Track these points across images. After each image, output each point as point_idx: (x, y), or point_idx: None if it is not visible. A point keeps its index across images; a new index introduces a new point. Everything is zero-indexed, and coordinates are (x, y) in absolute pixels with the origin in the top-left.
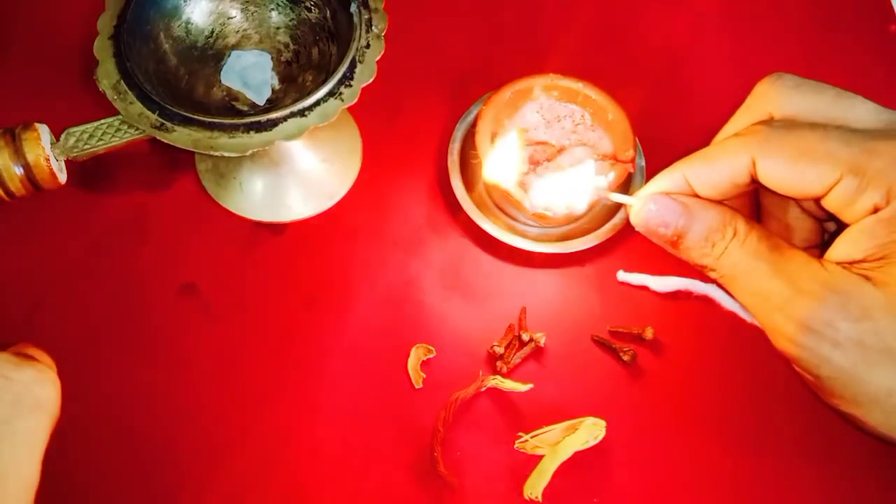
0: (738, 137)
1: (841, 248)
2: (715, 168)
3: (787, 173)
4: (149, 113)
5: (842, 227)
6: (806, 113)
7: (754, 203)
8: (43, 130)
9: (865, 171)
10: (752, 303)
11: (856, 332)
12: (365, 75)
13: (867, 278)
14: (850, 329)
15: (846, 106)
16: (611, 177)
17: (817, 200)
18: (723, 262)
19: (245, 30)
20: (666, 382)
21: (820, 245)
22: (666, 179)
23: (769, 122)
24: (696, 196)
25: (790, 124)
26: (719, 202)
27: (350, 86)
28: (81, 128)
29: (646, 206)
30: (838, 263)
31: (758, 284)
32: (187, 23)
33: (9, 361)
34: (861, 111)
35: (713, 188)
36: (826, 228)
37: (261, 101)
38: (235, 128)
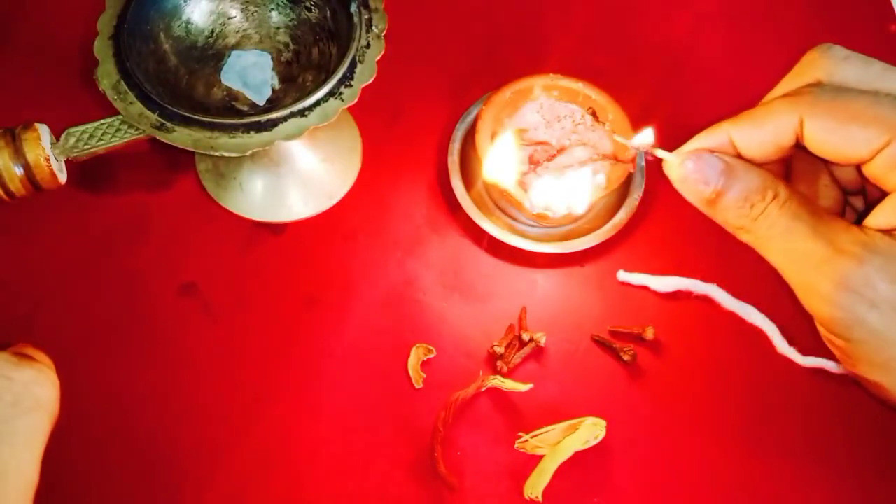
0: (787, 98)
1: (881, 216)
2: (762, 128)
3: (834, 136)
4: (149, 113)
5: (870, 205)
6: (854, 82)
7: (786, 170)
8: (43, 130)
9: None
10: (787, 263)
11: (894, 294)
12: (365, 75)
13: None
14: (888, 290)
15: (895, 79)
16: (602, 177)
17: (859, 166)
18: (760, 223)
19: (245, 30)
20: (666, 382)
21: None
22: (710, 138)
23: (819, 86)
24: (739, 157)
25: (840, 89)
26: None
27: (350, 86)
28: (81, 128)
29: (686, 162)
30: (878, 230)
31: (795, 244)
32: (187, 23)
33: (8, 361)
34: None
35: (758, 148)
36: (852, 204)
37: (261, 101)
38: (235, 128)
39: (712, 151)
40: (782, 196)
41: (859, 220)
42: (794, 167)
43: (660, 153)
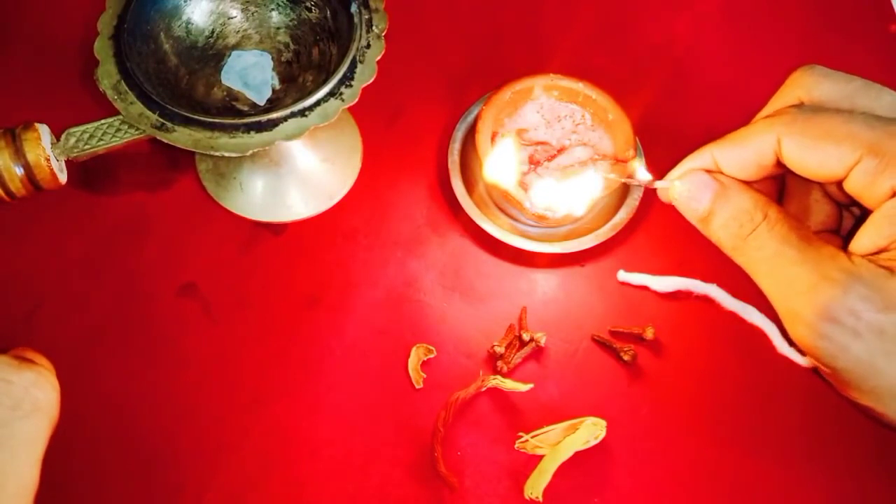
0: (766, 119)
1: (865, 238)
2: (743, 148)
3: (809, 154)
4: (149, 113)
5: (865, 214)
6: (834, 100)
7: (780, 187)
8: (43, 130)
9: (885, 151)
10: (774, 288)
11: (878, 323)
12: (365, 75)
13: (892, 271)
14: (872, 319)
15: (874, 96)
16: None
17: (839, 184)
18: (749, 243)
19: (245, 30)
20: (666, 382)
21: (836, 230)
22: (696, 160)
23: (798, 106)
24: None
25: (817, 108)
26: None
27: (350, 86)
28: (82, 128)
29: (684, 181)
30: (864, 256)
31: (782, 269)
32: (188, 23)
33: (8, 365)
34: (888, 101)
35: (740, 168)
36: (853, 213)
37: (261, 101)
38: (236, 128)
39: (709, 171)
40: (773, 218)
41: (854, 230)
42: (787, 184)
43: (658, 184)
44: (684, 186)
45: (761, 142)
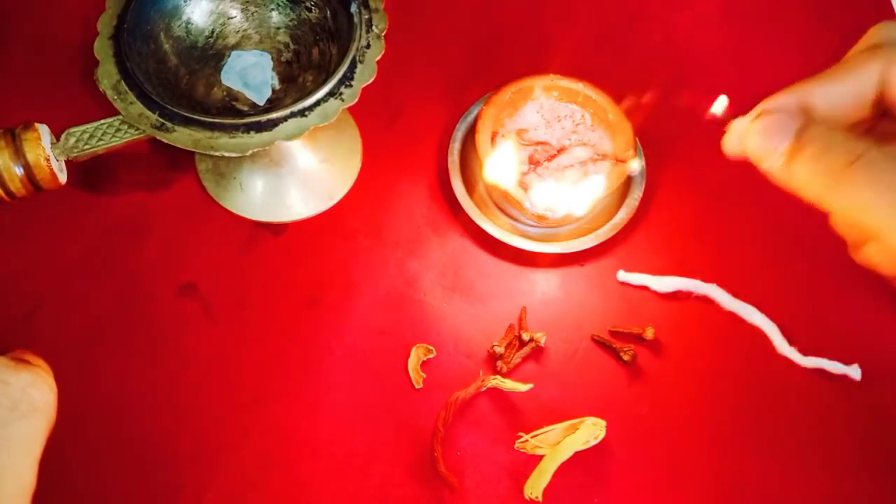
0: (866, 51)
1: None
2: (843, 83)
3: None
4: (149, 113)
5: None
6: None
7: None
8: (43, 130)
9: None
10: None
11: None
12: (365, 75)
13: None
14: None
15: None
16: (602, 179)
17: None
18: (858, 171)
19: (245, 30)
20: (666, 382)
21: None
22: (781, 98)
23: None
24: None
25: None
26: None
27: (350, 86)
28: (81, 128)
29: (756, 122)
30: None
31: None
32: (187, 23)
33: (5, 366)
34: None
35: (835, 107)
36: None
37: (261, 101)
38: (236, 128)
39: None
40: (883, 146)
41: None
42: None
43: (736, 122)
44: (762, 123)
45: (864, 74)
